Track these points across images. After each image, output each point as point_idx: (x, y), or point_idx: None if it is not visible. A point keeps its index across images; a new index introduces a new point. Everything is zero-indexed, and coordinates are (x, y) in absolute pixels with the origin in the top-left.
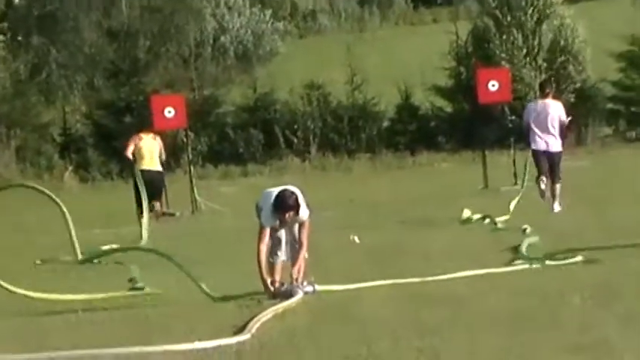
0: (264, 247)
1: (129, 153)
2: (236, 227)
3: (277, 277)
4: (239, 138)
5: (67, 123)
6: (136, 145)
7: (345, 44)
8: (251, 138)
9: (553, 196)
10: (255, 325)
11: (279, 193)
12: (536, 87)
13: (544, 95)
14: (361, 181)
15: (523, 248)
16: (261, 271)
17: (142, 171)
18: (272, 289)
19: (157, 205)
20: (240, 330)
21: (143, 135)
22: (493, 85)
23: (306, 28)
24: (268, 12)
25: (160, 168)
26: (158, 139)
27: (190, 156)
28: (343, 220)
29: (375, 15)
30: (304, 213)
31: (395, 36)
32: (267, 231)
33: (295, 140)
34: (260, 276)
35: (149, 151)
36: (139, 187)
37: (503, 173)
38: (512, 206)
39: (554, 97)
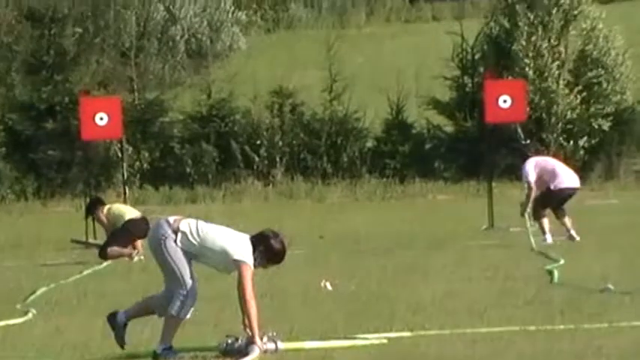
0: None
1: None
2: None
3: None
4: (187, 154)
5: None
6: (107, 214)
7: (323, 42)
8: (202, 154)
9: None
10: None
11: (276, 236)
12: (562, 103)
13: (528, 156)
14: (337, 213)
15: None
16: (256, 322)
17: (132, 220)
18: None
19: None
20: None
21: (107, 206)
22: (505, 101)
23: (275, 20)
24: None
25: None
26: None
27: (126, 174)
28: (313, 261)
29: (362, 7)
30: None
31: (385, 35)
32: None
33: (257, 159)
34: (253, 326)
35: (123, 206)
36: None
37: (513, 210)
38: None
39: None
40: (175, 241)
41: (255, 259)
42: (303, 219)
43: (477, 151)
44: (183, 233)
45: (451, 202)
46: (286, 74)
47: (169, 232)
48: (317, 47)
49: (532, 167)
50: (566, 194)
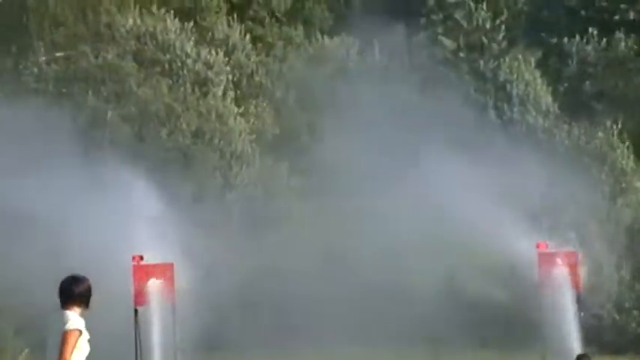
0: None
1: None
2: None
3: None
4: (240, 320)
5: None
6: None
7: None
8: (256, 320)
9: None
10: None
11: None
12: (613, 276)
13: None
14: None
15: None
16: None
17: None
18: None
19: None
20: None
21: None
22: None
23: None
24: (283, 164)
25: None
26: None
27: (178, 340)
28: None
29: None
30: None
31: None
32: None
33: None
34: None
35: None
36: None
37: None
38: None
39: None
40: None
41: None
42: None
43: (531, 321)
44: None
45: None
46: (338, 240)
47: None
48: (369, 213)
49: None
50: None
